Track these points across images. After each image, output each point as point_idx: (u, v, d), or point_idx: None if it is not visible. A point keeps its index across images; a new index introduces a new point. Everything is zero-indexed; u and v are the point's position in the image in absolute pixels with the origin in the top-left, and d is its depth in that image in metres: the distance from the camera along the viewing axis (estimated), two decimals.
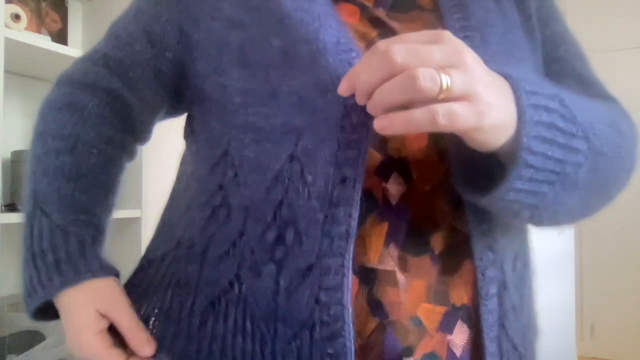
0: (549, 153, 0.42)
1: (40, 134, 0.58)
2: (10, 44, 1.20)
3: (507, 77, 0.43)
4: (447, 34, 0.40)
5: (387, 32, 0.52)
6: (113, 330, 0.52)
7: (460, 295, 0.49)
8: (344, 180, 0.45)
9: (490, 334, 0.49)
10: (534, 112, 0.41)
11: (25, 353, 1.20)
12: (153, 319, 0.53)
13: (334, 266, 0.45)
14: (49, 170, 0.55)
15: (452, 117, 0.38)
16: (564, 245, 2.51)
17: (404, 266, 0.47)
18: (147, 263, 0.58)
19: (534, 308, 0.57)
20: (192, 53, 0.56)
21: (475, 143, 0.42)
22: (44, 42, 1.31)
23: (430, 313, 0.48)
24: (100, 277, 0.53)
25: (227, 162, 0.52)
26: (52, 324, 0.57)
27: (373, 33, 0.52)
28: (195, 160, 0.57)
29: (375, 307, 0.47)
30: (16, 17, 1.35)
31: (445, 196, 0.49)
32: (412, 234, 0.48)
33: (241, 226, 0.49)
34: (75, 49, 1.41)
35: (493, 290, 0.49)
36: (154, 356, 0.52)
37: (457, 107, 0.38)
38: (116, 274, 0.55)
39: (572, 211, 0.48)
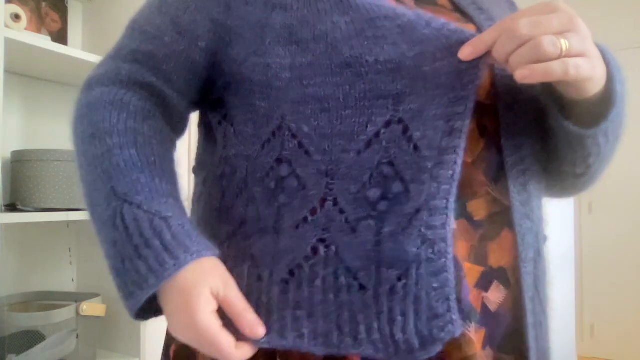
0: (624, 104, 0.54)
1: (93, 136, 0.56)
2: (10, 44, 1.20)
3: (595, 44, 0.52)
4: (561, 4, 0.48)
5: None
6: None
7: (497, 259, 0.56)
8: (451, 132, 0.50)
9: (528, 293, 0.56)
10: (618, 73, 0.53)
11: (25, 353, 1.20)
12: None
13: (440, 207, 0.50)
14: (120, 165, 0.54)
15: (579, 69, 0.47)
16: (564, 245, 2.51)
17: None
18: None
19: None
20: (226, 40, 0.57)
21: (580, 92, 0.51)
22: (44, 42, 1.31)
23: (470, 271, 0.54)
24: (208, 255, 0.52)
25: (284, 136, 0.54)
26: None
27: None
28: (239, 142, 0.58)
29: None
30: (16, 17, 1.35)
31: (483, 168, 0.56)
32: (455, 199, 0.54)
33: (322, 192, 0.52)
34: (75, 49, 1.41)
35: (530, 255, 0.57)
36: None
37: (581, 61, 0.47)
38: (217, 254, 0.54)
39: (607, 161, 0.59)
